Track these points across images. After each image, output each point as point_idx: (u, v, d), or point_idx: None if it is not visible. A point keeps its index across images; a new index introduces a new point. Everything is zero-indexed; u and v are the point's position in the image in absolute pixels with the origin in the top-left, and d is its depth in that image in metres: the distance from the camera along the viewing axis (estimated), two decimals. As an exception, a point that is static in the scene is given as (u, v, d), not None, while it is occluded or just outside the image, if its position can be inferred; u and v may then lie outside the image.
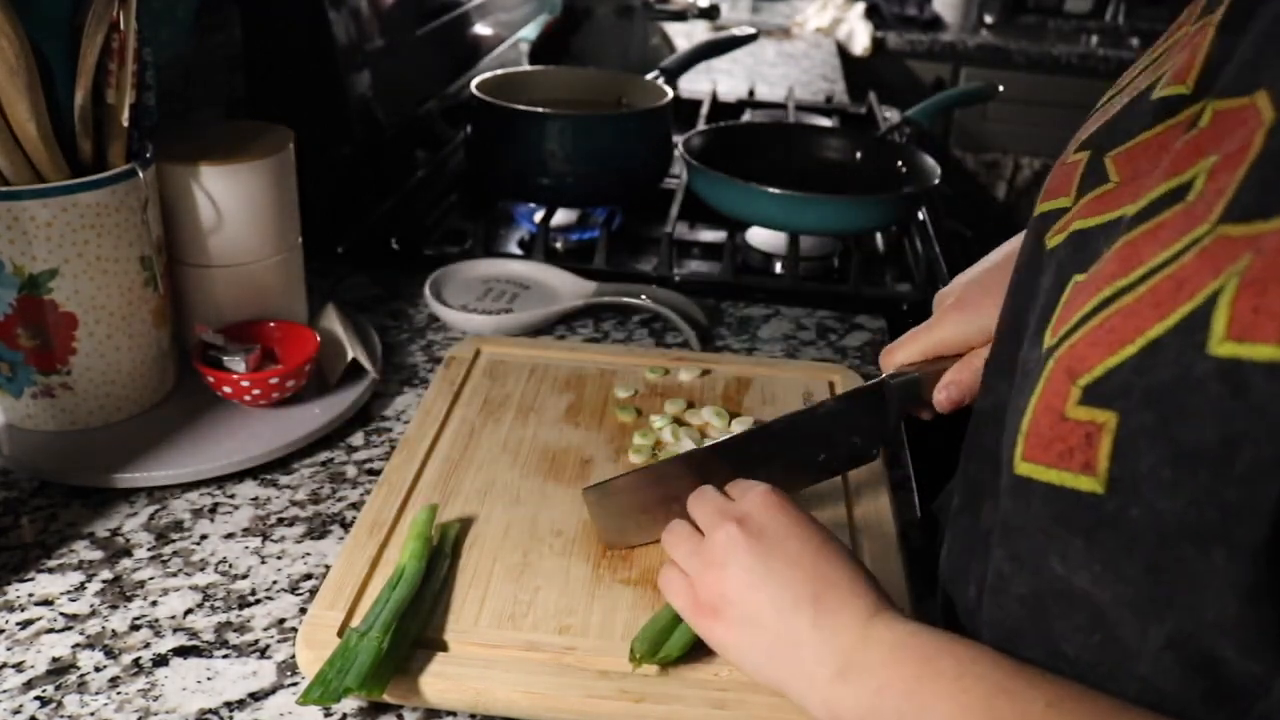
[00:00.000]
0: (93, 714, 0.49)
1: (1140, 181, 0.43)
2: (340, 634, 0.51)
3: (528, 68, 1.33)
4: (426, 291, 0.87)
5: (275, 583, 0.58)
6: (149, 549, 0.60)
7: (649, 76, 1.24)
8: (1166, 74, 0.46)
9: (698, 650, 0.51)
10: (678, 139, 1.11)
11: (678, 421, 0.71)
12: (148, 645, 0.53)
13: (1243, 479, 0.33)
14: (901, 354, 0.62)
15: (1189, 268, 0.36)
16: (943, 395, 0.60)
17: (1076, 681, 0.41)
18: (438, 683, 0.49)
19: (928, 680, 0.43)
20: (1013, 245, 0.62)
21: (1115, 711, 0.39)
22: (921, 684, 0.43)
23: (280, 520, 0.63)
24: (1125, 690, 0.40)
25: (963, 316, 0.60)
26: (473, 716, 0.50)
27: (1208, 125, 0.39)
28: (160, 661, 0.52)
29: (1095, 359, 0.38)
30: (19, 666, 0.51)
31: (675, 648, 0.50)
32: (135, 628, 0.54)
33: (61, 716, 0.49)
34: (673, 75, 1.32)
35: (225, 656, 0.53)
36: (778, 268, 1.03)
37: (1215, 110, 0.39)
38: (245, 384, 0.68)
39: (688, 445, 0.67)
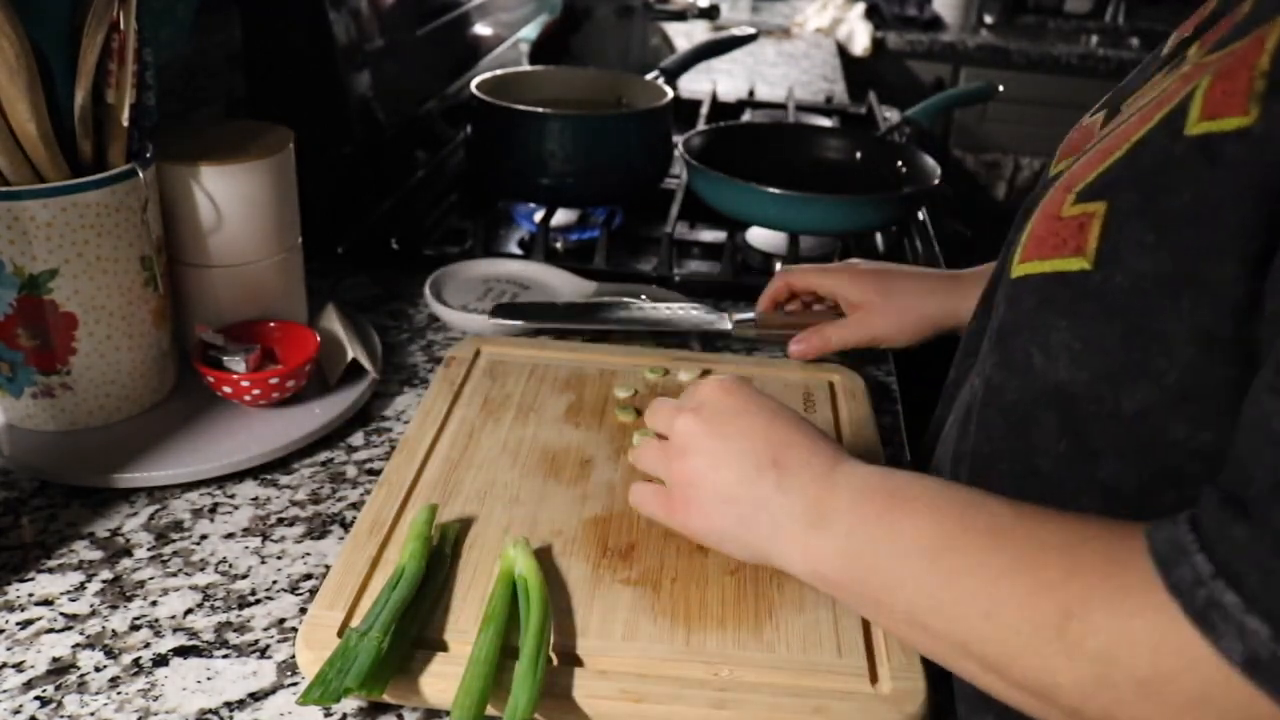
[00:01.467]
0: (93, 714, 0.49)
1: None
2: (340, 634, 0.51)
3: (528, 68, 1.33)
4: (426, 291, 0.87)
5: (275, 583, 0.58)
6: (149, 549, 0.60)
7: (649, 76, 1.24)
8: (1173, 36, 0.54)
9: (694, 651, 0.51)
10: (678, 139, 1.11)
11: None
12: (148, 645, 0.53)
13: (1213, 226, 0.38)
14: (835, 340, 0.77)
15: (1170, 90, 0.43)
16: (797, 348, 0.77)
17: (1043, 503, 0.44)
18: (438, 683, 0.49)
19: (897, 507, 0.45)
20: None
21: (1070, 517, 0.41)
22: (892, 512, 0.45)
23: (280, 520, 0.63)
24: (1087, 501, 0.44)
25: (893, 323, 0.75)
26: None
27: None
28: (160, 661, 0.52)
29: (1088, 170, 0.44)
30: (19, 666, 0.51)
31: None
32: (135, 628, 0.54)
33: (61, 716, 0.49)
34: (673, 75, 1.32)
35: (225, 656, 0.53)
36: (777, 268, 1.02)
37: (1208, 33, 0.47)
38: (245, 384, 0.68)
39: None
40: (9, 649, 0.52)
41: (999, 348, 0.47)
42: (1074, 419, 0.43)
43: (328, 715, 0.50)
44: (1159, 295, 0.39)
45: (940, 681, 0.53)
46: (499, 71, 1.14)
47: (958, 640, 0.41)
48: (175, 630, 0.54)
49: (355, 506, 0.64)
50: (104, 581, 0.57)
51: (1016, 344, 0.46)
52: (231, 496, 0.65)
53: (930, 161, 1.04)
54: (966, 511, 0.43)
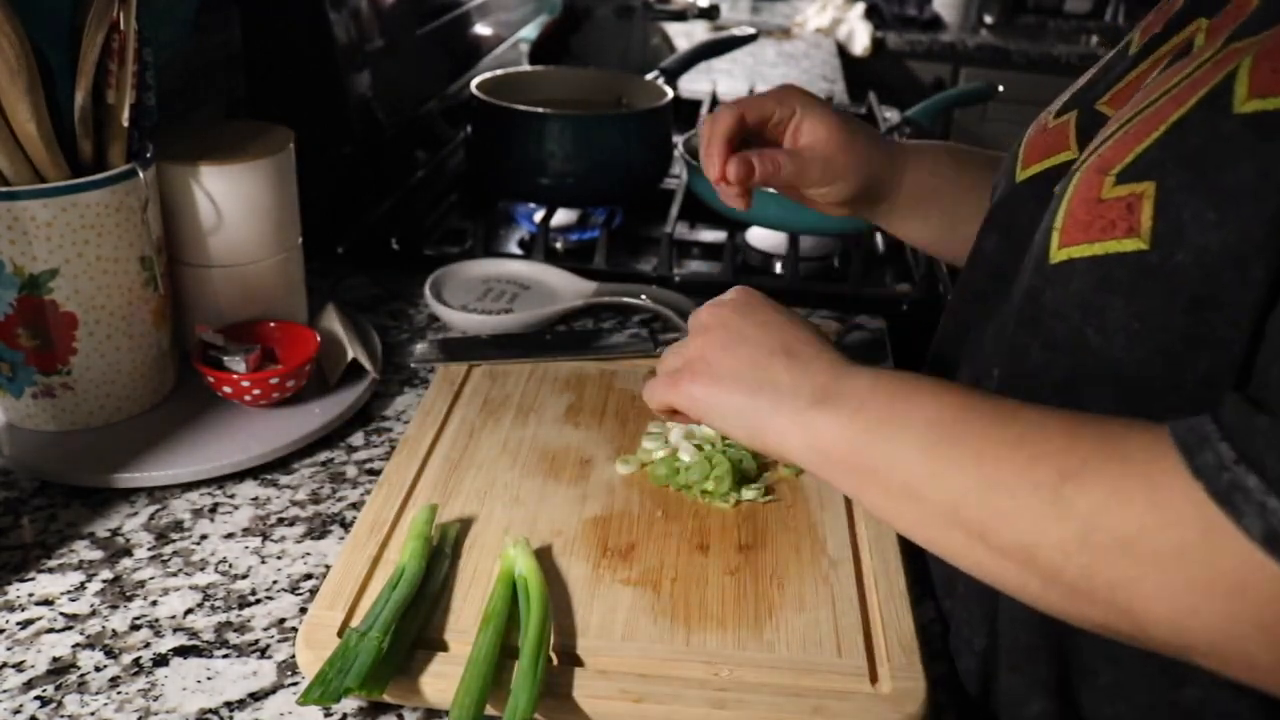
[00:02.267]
0: (93, 714, 0.49)
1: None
2: (340, 634, 0.51)
3: (528, 68, 1.33)
4: (426, 291, 0.87)
5: (275, 583, 0.58)
6: (149, 549, 0.60)
7: (649, 76, 1.24)
8: (1135, 36, 0.55)
9: (694, 651, 0.51)
10: (678, 139, 1.11)
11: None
12: (148, 645, 0.53)
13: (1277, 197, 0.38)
14: (788, 169, 0.68)
15: (1201, 75, 0.43)
16: (744, 171, 0.67)
17: None
18: (438, 683, 0.49)
19: (908, 393, 0.46)
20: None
21: (1080, 413, 0.42)
22: (901, 394, 0.46)
23: (280, 520, 0.63)
24: None
25: (849, 165, 0.68)
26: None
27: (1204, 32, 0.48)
28: (160, 661, 0.52)
29: (1124, 152, 0.44)
30: (19, 666, 0.51)
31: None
32: (135, 627, 0.54)
33: (62, 716, 0.49)
34: (673, 75, 1.32)
35: (225, 656, 0.53)
36: (778, 268, 1.03)
37: (1209, 22, 0.48)
38: (245, 384, 0.68)
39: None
40: (9, 649, 0.52)
41: (1039, 328, 0.47)
42: (1131, 395, 0.44)
43: (328, 715, 0.50)
44: (1224, 268, 0.40)
45: (940, 681, 0.53)
46: (499, 71, 1.14)
47: (950, 507, 0.42)
48: (175, 630, 0.54)
49: (355, 506, 0.65)
50: (104, 581, 0.57)
51: (1064, 325, 0.46)
52: (231, 496, 0.65)
53: (930, 161, 1.04)
54: (973, 397, 0.45)
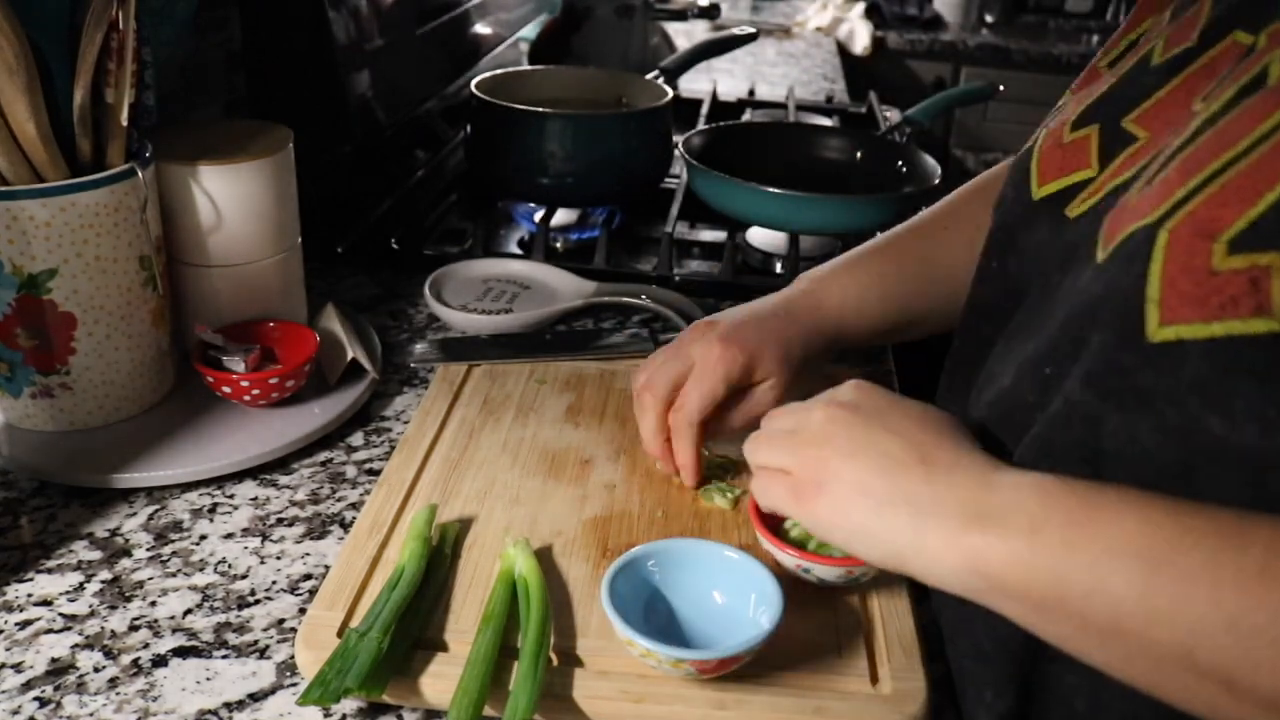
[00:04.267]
0: (92, 714, 0.49)
1: (1173, 123, 0.46)
2: (340, 634, 0.51)
3: (528, 68, 1.33)
4: (426, 291, 0.87)
5: (275, 583, 0.58)
6: (148, 549, 0.60)
7: (649, 76, 1.24)
8: (1158, 45, 0.50)
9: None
10: (678, 139, 1.11)
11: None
12: (147, 645, 0.53)
13: None
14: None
15: None
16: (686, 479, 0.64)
17: None
18: (438, 683, 0.49)
19: (1093, 507, 0.40)
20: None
21: None
22: (1086, 510, 0.41)
23: (280, 520, 0.63)
24: None
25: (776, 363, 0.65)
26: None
27: (1264, 44, 0.43)
28: (159, 662, 0.52)
29: (1231, 215, 0.39)
30: (18, 667, 0.51)
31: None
32: (134, 628, 0.54)
33: (61, 717, 0.49)
34: (673, 75, 1.32)
35: (225, 657, 0.53)
36: (778, 268, 1.02)
37: (1269, 32, 0.43)
38: (245, 384, 0.68)
39: None
40: (8, 649, 0.52)
41: (1129, 406, 0.42)
42: (1264, 482, 0.39)
43: (327, 715, 0.50)
44: None
45: (940, 682, 0.53)
46: (499, 71, 1.14)
47: (1180, 651, 0.37)
48: (174, 630, 0.54)
49: (355, 506, 0.64)
50: (103, 582, 0.57)
51: (1177, 412, 0.41)
52: (231, 496, 0.65)
53: (930, 161, 1.04)
54: (1179, 512, 0.39)
